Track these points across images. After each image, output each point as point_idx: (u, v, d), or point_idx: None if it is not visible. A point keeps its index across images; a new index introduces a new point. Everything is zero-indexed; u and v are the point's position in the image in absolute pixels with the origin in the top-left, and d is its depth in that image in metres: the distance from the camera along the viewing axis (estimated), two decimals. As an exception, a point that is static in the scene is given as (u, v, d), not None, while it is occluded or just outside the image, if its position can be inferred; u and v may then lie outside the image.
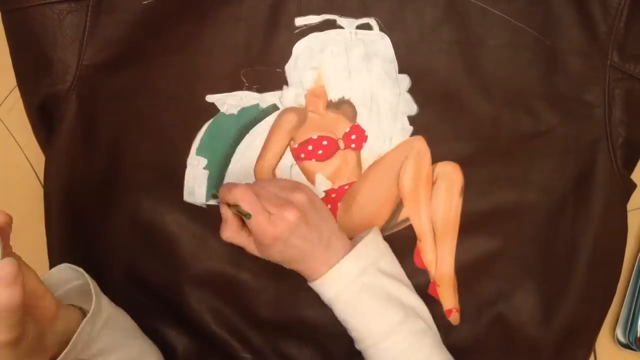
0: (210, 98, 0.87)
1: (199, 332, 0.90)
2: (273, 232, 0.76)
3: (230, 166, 0.89)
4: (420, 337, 0.81)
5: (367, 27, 0.87)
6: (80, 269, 0.75)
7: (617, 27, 0.85)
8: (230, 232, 0.81)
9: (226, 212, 0.80)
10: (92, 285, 0.74)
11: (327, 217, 0.82)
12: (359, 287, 0.80)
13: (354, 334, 0.82)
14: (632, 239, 0.95)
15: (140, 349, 0.81)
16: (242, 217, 0.78)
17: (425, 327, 0.82)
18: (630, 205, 0.91)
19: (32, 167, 0.94)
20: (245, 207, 0.76)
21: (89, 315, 0.70)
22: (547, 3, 0.86)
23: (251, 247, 0.82)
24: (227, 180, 0.89)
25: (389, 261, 0.84)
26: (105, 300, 0.76)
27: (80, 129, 0.85)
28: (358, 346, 0.83)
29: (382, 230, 0.89)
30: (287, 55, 0.87)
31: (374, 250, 0.82)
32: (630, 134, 0.88)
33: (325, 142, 0.88)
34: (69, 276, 0.77)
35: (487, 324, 0.90)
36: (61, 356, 0.66)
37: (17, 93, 0.88)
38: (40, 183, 0.91)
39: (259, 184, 0.80)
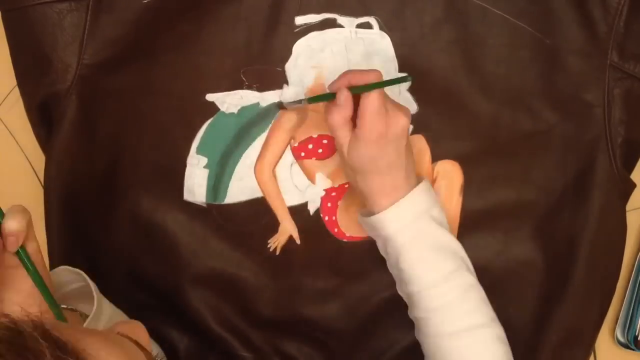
0: (210, 97, 0.87)
1: (199, 331, 0.90)
2: (383, 128, 0.74)
3: (230, 165, 0.89)
4: (468, 290, 0.81)
5: (367, 26, 0.87)
6: (80, 271, 0.75)
7: (617, 27, 0.85)
8: (340, 116, 0.76)
9: (346, 97, 0.75)
10: (93, 287, 0.74)
11: (412, 157, 0.81)
12: (416, 230, 0.79)
13: (402, 275, 0.81)
14: (632, 239, 0.95)
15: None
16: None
17: (474, 281, 0.82)
18: (630, 205, 0.91)
19: (32, 167, 0.94)
20: (371, 104, 0.73)
21: (90, 316, 0.70)
22: (547, 2, 0.86)
23: (344, 140, 0.78)
24: (226, 179, 0.89)
25: (439, 211, 0.82)
26: (105, 302, 0.76)
27: (81, 128, 0.86)
28: (403, 289, 0.82)
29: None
30: (287, 54, 0.87)
31: (428, 197, 0.81)
32: (629, 134, 0.88)
33: (325, 141, 0.88)
34: (69, 279, 0.77)
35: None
36: None
37: (17, 93, 0.88)
38: (40, 183, 0.91)
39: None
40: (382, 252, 0.84)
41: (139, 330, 0.60)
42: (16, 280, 0.64)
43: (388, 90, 0.86)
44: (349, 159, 0.78)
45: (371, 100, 0.73)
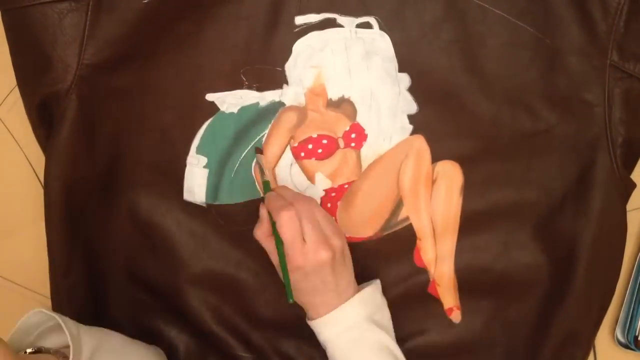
0: (210, 97, 0.87)
1: (198, 331, 0.90)
2: (300, 262, 0.77)
3: (230, 165, 0.89)
4: None
5: (367, 25, 0.87)
6: (53, 314, 0.75)
7: (617, 27, 0.85)
8: (261, 234, 0.82)
9: (264, 215, 0.81)
10: (67, 328, 0.73)
11: (350, 269, 0.82)
12: (355, 335, 0.80)
13: None
14: (632, 239, 0.95)
15: (139, 358, 0.81)
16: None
17: None
18: (630, 205, 0.91)
19: (32, 167, 0.94)
20: (284, 235, 0.77)
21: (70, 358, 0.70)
22: (547, 2, 0.86)
23: (274, 257, 0.82)
24: (226, 179, 0.89)
25: (384, 316, 0.84)
26: (85, 335, 0.75)
27: (81, 128, 0.85)
28: None
29: (382, 229, 0.89)
30: (287, 53, 0.87)
31: (371, 303, 0.82)
32: (629, 133, 0.88)
33: (325, 141, 0.88)
34: (44, 318, 0.77)
35: (488, 322, 0.90)
36: None
37: (17, 92, 0.88)
38: (40, 183, 0.91)
39: (309, 207, 0.79)
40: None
41: None
42: None
43: (387, 91, 0.87)
44: (279, 272, 0.81)
45: (283, 237, 0.77)
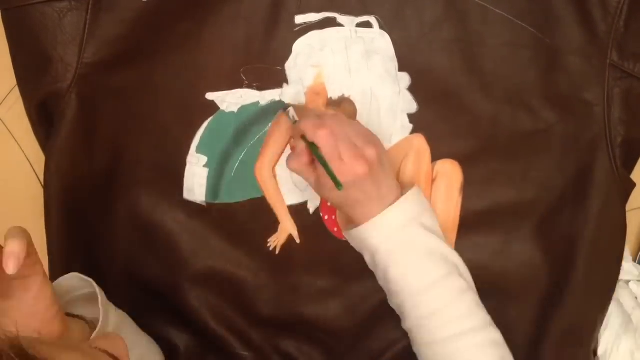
0: (210, 96, 0.87)
1: (198, 330, 0.90)
2: (340, 179, 0.76)
3: (230, 164, 0.89)
4: (461, 294, 0.80)
5: (367, 25, 0.87)
6: (90, 280, 0.76)
7: (617, 26, 0.85)
8: (298, 163, 0.80)
9: (299, 144, 0.79)
10: (100, 295, 0.75)
11: (389, 173, 0.81)
12: (404, 237, 0.79)
13: (392, 285, 0.81)
14: (632, 239, 0.95)
15: (147, 348, 0.82)
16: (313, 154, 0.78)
17: (466, 286, 0.81)
18: (630, 205, 0.91)
19: (32, 167, 0.94)
20: (325, 151, 0.76)
21: (97, 329, 0.71)
22: (547, 2, 0.86)
23: (311, 181, 0.81)
24: (226, 178, 0.89)
25: (431, 218, 0.82)
26: (112, 309, 0.77)
27: (81, 127, 0.86)
28: (395, 300, 0.82)
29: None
30: (287, 53, 0.87)
31: (417, 204, 0.81)
32: (629, 133, 0.88)
33: (325, 140, 0.88)
34: (77, 284, 0.78)
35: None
36: None
37: (17, 92, 0.88)
38: (40, 183, 0.91)
39: (340, 123, 0.78)
40: (370, 267, 0.84)
41: (118, 345, 0.61)
42: (16, 295, 0.64)
43: (387, 90, 0.87)
44: (322, 195, 0.81)
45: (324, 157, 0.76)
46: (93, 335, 0.70)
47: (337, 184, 0.75)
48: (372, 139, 0.80)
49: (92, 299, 0.77)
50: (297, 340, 0.91)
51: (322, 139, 0.76)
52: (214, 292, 0.90)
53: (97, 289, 0.75)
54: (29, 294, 0.64)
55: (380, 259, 0.80)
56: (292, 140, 0.82)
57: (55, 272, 0.87)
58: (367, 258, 0.83)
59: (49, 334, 0.65)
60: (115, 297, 0.88)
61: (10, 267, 0.59)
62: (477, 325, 0.80)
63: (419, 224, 0.80)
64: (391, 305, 0.84)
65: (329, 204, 0.88)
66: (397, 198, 0.79)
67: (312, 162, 0.80)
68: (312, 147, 0.77)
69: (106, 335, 0.70)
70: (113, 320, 0.75)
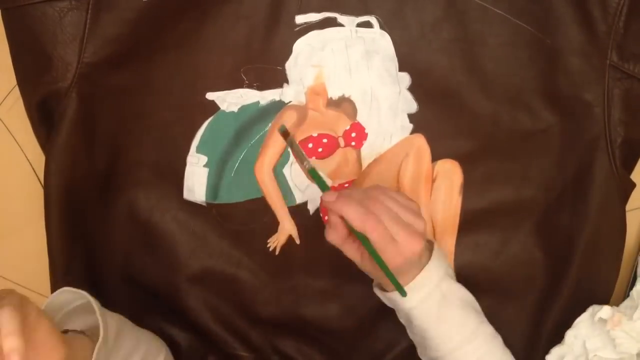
0: (210, 96, 0.87)
1: (198, 330, 0.90)
2: (399, 261, 0.73)
3: (230, 164, 0.89)
4: (493, 339, 0.81)
5: (367, 25, 0.87)
6: (82, 291, 0.75)
7: (617, 27, 0.85)
8: (337, 237, 0.76)
9: (335, 220, 0.74)
10: (96, 305, 0.74)
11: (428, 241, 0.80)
12: (440, 294, 0.78)
13: (431, 342, 0.79)
14: (632, 239, 0.95)
15: (149, 345, 0.82)
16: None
17: (494, 331, 0.82)
18: (630, 205, 0.91)
19: (32, 167, 0.94)
20: (376, 241, 0.72)
21: (99, 342, 0.70)
22: (547, 2, 0.86)
23: (354, 256, 0.77)
24: (226, 178, 0.89)
25: (449, 266, 0.83)
26: (109, 316, 0.76)
27: (81, 126, 0.85)
28: (432, 354, 0.80)
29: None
30: (287, 53, 0.87)
31: (444, 260, 0.81)
32: (629, 134, 0.88)
33: (325, 140, 0.88)
34: (69, 298, 0.77)
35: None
36: None
37: (17, 92, 0.88)
38: (40, 183, 0.91)
39: (382, 201, 0.74)
40: (402, 321, 0.83)
41: None
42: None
43: (387, 90, 0.87)
44: (362, 269, 0.78)
45: (375, 246, 0.72)
46: (96, 349, 0.69)
47: (401, 292, 0.73)
48: (414, 206, 0.77)
49: (86, 309, 0.76)
50: (296, 340, 0.91)
51: (371, 229, 0.71)
52: (214, 292, 0.90)
53: (91, 300, 0.74)
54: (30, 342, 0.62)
55: (419, 318, 0.79)
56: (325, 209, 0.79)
57: (55, 272, 0.87)
58: (399, 314, 0.82)
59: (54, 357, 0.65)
60: (115, 297, 0.88)
61: None
62: None
63: (448, 277, 0.80)
64: (422, 357, 0.83)
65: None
66: (428, 257, 0.78)
67: (350, 233, 0.76)
68: (358, 235, 0.73)
69: None
70: (113, 326, 0.75)
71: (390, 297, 0.79)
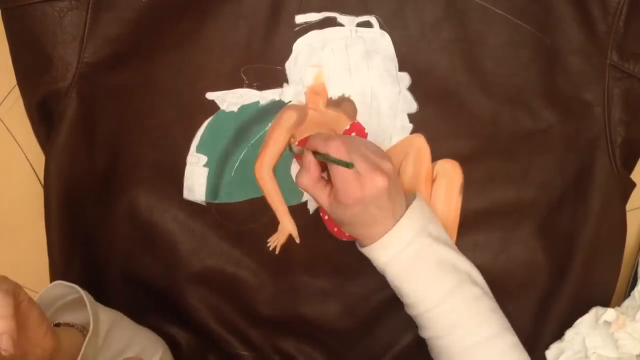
0: (210, 95, 0.87)
1: (198, 329, 0.90)
2: (359, 193, 0.74)
3: (230, 164, 0.89)
4: (476, 301, 0.80)
5: (367, 24, 0.87)
6: (74, 285, 0.75)
7: (617, 26, 0.85)
8: (308, 179, 0.78)
9: (310, 159, 0.78)
10: (87, 299, 0.74)
11: (401, 190, 0.81)
12: (413, 252, 0.79)
13: (407, 299, 0.81)
14: (632, 239, 0.95)
15: (146, 340, 0.83)
16: (327, 169, 0.77)
17: (480, 292, 0.81)
18: (630, 205, 0.91)
19: (32, 167, 0.94)
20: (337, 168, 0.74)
21: (89, 334, 0.71)
22: (547, 2, 0.86)
23: (323, 200, 0.79)
24: (226, 178, 0.89)
25: (437, 226, 0.82)
26: (102, 311, 0.76)
27: (81, 126, 0.85)
28: (411, 312, 0.82)
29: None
30: (287, 52, 0.87)
31: (422, 215, 0.81)
32: (629, 133, 0.88)
33: (325, 140, 0.88)
34: (62, 292, 0.77)
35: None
36: None
37: (17, 92, 0.88)
38: (40, 183, 0.91)
39: (349, 138, 0.78)
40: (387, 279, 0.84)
41: None
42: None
43: (387, 90, 0.87)
44: (332, 216, 0.80)
45: (340, 172, 0.74)
46: (85, 341, 0.70)
47: (349, 165, 0.73)
48: (385, 154, 0.80)
49: (80, 303, 0.76)
50: (297, 340, 0.91)
51: (335, 147, 0.74)
52: (214, 292, 0.90)
53: (83, 293, 0.74)
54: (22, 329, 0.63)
55: (392, 275, 0.80)
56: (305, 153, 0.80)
57: (55, 271, 0.87)
58: (379, 271, 0.83)
59: (41, 351, 0.65)
60: (115, 296, 0.88)
61: (5, 349, 0.59)
62: (494, 332, 0.80)
63: (427, 235, 0.80)
64: (408, 313, 0.84)
65: (339, 227, 0.87)
66: (402, 212, 0.79)
67: (321, 177, 0.79)
68: (325, 157, 0.75)
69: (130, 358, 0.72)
70: (105, 320, 0.75)
71: (365, 254, 0.81)
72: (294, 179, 0.81)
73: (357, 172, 0.74)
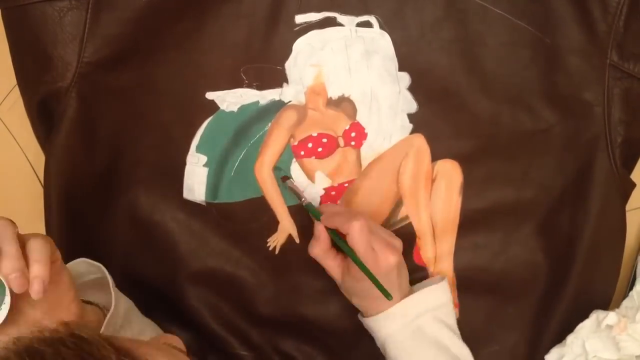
0: (210, 95, 0.87)
1: (198, 329, 0.90)
2: (375, 270, 0.78)
3: (230, 163, 0.89)
4: None
5: (367, 24, 0.87)
6: (98, 264, 0.77)
7: (617, 26, 0.85)
8: (319, 250, 0.83)
9: (322, 230, 0.82)
10: (111, 282, 0.75)
11: (405, 268, 0.85)
12: (412, 330, 0.82)
13: None
14: (632, 239, 0.95)
15: (154, 333, 0.84)
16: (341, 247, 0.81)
17: None
18: (630, 205, 0.91)
19: (32, 167, 0.94)
20: (359, 245, 0.78)
21: (110, 312, 0.72)
22: (547, 1, 0.86)
23: (333, 270, 0.84)
24: (226, 178, 0.89)
25: (448, 312, 0.85)
26: (120, 295, 0.78)
27: (81, 126, 0.85)
28: None
29: (382, 227, 0.90)
30: (287, 52, 0.87)
31: (435, 300, 0.84)
32: (629, 133, 0.88)
33: (325, 140, 0.88)
34: (85, 270, 0.78)
35: (486, 320, 0.90)
36: None
37: (17, 92, 0.88)
38: (40, 183, 0.91)
39: (362, 215, 0.80)
40: (381, 350, 0.86)
41: (178, 341, 0.63)
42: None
43: (387, 90, 0.87)
44: (342, 285, 0.84)
45: (357, 247, 0.78)
46: (106, 319, 0.71)
47: (387, 295, 0.78)
48: (392, 232, 0.84)
49: (100, 284, 0.77)
50: (297, 340, 0.91)
51: (357, 233, 0.78)
52: (214, 292, 0.90)
53: (107, 274, 0.76)
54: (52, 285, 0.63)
55: (389, 351, 0.83)
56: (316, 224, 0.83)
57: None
58: (378, 343, 0.85)
59: (66, 315, 0.66)
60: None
61: (36, 292, 0.59)
62: None
63: (433, 317, 0.83)
64: None
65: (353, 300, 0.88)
66: (407, 293, 0.83)
67: (332, 247, 0.82)
68: (341, 243, 0.80)
69: (166, 335, 0.74)
70: (123, 305, 0.76)
71: (369, 324, 0.84)
72: (308, 248, 0.84)
73: (370, 249, 0.78)
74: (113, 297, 0.73)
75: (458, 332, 0.86)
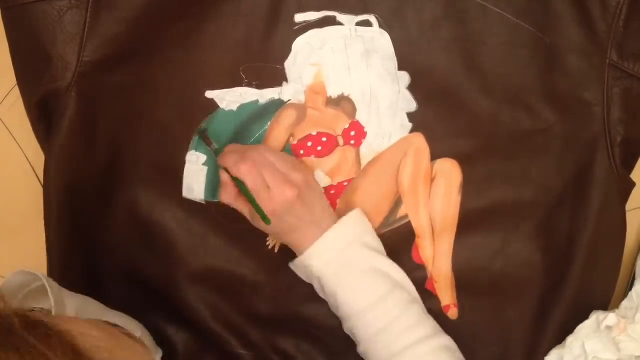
0: (209, 94, 0.87)
1: (197, 328, 0.90)
2: (270, 207, 0.79)
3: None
4: (407, 306, 0.82)
5: (366, 24, 0.87)
6: (35, 272, 0.73)
7: (616, 26, 0.85)
8: (229, 196, 0.84)
9: (225, 177, 0.83)
10: (49, 285, 0.72)
11: (320, 196, 0.84)
12: (345, 260, 0.82)
13: (341, 310, 0.83)
14: (632, 239, 0.95)
15: (123, 325, 0.81)
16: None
17: (411, 298, 0.83)
18: (630, 205, 0.91)
19: (32, 167, 0.94)
20: (249, 184, 0.79)
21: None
22: (547, 1, 0.86)
23: (246, 213, 0.84)
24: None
25: (373, 238, 0.85)
26: (68, 296, 0.75)
27: (80, 125, 0.85)
28: (347, 325, 0.84)
29: (381, 226, 0.90)
30: (286, 51, 0.87)
31: (358, 226, 0.84)
32: (628, 133, 0.88)
33: (324, 139, 0.88)
34: (26, 280, 0.75)
35: (485, 320, 0.90)
36: None
37: (17, 92, 0.88)
38: (40, 183, 0.91)
39: (261, 154, 0.81)
40: (321, 295, 0.86)
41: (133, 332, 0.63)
42: None
43: (387, 89, 0.87)
44: (258, 226, 0.84)
45: (249, 187, 0.80)
46: None
47: (265, 219, 0.79)
48: (297, 165, 0.83)
49: (45, 292, 0.74)
50: (296, 338, 0.90)
51: (245, 172, 0.79)
52: (213, 291, 0.89)
53: (45, 280, 0.72)
54: None
55: (327, 284, 0.83)
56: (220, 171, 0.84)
57: (54, 271, 0.87)
58: (316, 286, 0.86)
59: None
60: (115, 295, 0.88)
61: None
62: (428, 333, 0.82)
63: (361, 245, 0.83)
64: (346, 332, 0.86)
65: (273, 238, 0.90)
66: (334, 221, 0.83)
67: (241, 192, 0.82)
68: (237, 182, 0.81)
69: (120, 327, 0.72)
70: (71, 304, 0.73)
71: (297, 263, 0.85)
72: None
73: (267, 189, 0.79)
74: (52, 302, 0.70)
75: (384, 254, 0.86)
